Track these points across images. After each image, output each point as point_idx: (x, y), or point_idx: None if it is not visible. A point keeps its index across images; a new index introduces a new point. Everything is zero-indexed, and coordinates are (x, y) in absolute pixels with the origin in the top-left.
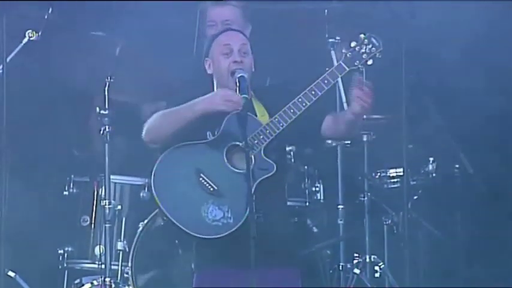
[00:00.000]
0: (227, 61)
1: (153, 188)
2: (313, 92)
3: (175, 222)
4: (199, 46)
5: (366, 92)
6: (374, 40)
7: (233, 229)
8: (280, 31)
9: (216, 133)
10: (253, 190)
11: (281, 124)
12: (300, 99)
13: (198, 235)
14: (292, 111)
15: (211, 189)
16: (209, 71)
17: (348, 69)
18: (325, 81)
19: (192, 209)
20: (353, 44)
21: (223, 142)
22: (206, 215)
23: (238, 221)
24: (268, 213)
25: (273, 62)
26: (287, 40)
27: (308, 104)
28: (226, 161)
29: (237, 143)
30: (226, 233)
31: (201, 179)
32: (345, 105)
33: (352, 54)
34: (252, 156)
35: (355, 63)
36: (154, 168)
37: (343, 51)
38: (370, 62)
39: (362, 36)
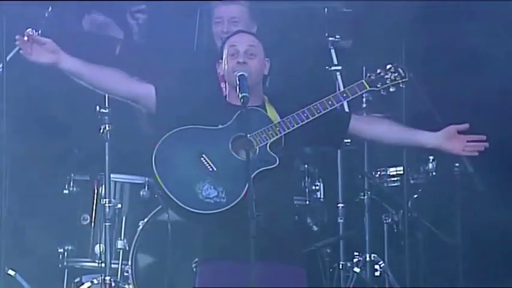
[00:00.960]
0: (232, 62)
1: (153, 158)
2: (329, 102)
3: (167, 192)
4: (199, 43)
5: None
6: (400, 70)
7: (224, 208)
8: (279, 30)
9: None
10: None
11: (292, 125)
12: (315, 106)
13: (188, 207)
14: (305, 115)
15: (210, 169)
16: (221, 73)
17: (368, 88)
18: (344, 95)
19: (187, 184)
20: (378, 70)
21: (231, 132)
22: (200, 191)
23: (230, 203)
24: (270, 211)
25: (273, 62)
26: (287, 40)
27: (322, 112)
28: (230, 147)
29: (244, 134)
30: (216, 211)
31: (202, 159)
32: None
33: (376, 76)
34: (257, 148)
35: (377, 85)
36: (159, 142)
37: (368, 73)
38: (392, 89)
39: (389, 66)
